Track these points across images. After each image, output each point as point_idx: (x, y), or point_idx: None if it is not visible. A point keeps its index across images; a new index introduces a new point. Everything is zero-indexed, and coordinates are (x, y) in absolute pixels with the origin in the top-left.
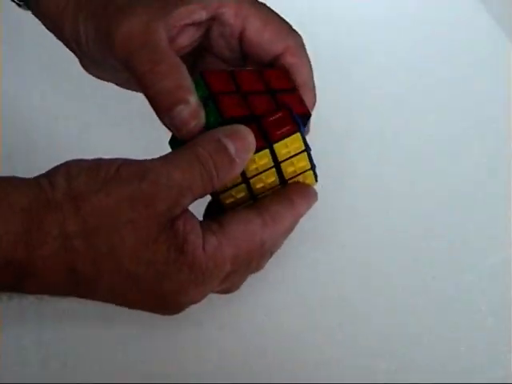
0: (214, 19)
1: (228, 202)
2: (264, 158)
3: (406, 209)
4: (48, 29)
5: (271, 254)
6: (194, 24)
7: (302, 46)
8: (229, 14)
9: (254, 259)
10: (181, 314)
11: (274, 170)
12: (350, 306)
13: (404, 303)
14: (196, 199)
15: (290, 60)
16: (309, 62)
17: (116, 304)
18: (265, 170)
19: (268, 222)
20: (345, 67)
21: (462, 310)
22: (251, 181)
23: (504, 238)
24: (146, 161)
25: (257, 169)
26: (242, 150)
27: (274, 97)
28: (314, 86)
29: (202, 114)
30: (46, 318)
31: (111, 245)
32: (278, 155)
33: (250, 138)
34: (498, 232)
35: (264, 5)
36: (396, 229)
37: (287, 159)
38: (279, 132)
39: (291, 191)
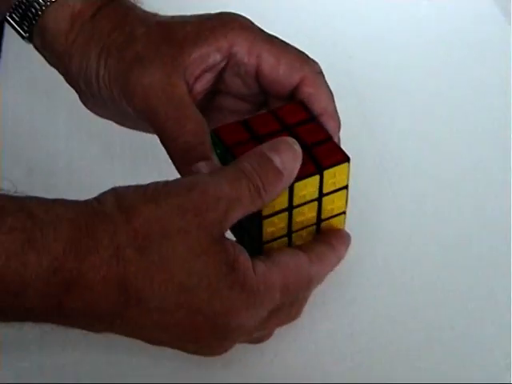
0: (227, 60)
1: (269, 230)
2: (313, 186)
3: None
4: (51, 63)
5: (309, 296)
6: (209, 69)
7: (319, 73)
8: (242, 52)
9: (300, 295)
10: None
11: (316, 203)
12: (358, 346)
13: (413, 343)
14: (245, 214)
15: (306, 90)
16: (327, 88)
17: (159, 339)
18: (309, 201)
19: (314, 260)
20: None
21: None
22: (294, 211)
23: None
24: (193, 175)
25: (304, 196)
26: (289, 161)
27: (292, 132)
28: (335, 112)
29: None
30: (47, 343)
31: (163, 255)
32: (324, 185)
33: (295, 147)
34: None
35: (276, 38)
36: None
37: (330, 193)
38: (332, 158)
39: (329, 236)
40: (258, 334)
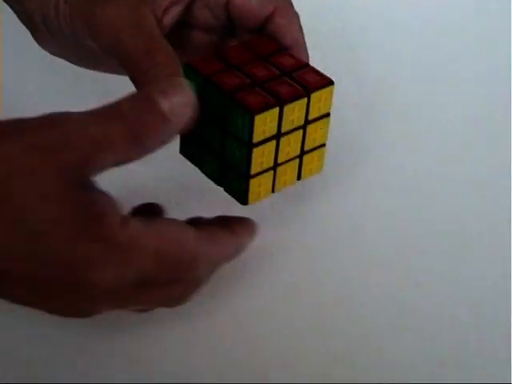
0: None
1: (258, 160)
2: (301, 109)
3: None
4: None
5: (199, 283)
6: (177, 1)
7: (291, 4)
8: None
9: (181, 271)
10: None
11: (301, 131)
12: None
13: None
14: (119, 162)
15: (279, 21)
16: (298, 20)
17: (12, 295)
18: (296, 128)
19: (203, 238)
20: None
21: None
22: (281, 140)
23: None
24: (61, 112)
25: (292, 122)
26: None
27: (267, 61)
28: (305, 45)
29: (196, 106)
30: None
31: (9, 196)
32: (310, 110)
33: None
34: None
35: None
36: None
37: (314, 120)
38: (317, 81)
39: (231, 220)
40: (132, 307)
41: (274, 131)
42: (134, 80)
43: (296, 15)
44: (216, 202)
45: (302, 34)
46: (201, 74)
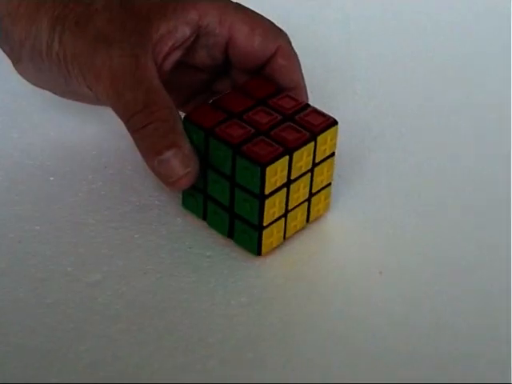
0: (197, 33)
1: (270, 211)
2: (309, 154)
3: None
4: None
5: None
6: (178, 45)
7: (290, 44)
8: (213, 24)
9: None
10: None
11: (309, 175)
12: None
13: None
14: None
15: (281, 62)
16: (298, 60)
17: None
18: (304, 173)
19: None
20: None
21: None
22: (291, 186)
23: None
24: None
25: (300, 168)
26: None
27: (267, 105)
28: (305, 85)
29: (195, 162)
30: None
31: None
32: (317, 152)
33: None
34: None
35: (247, 8)
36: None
37: (321, 162)
38: (322, 122)
39: None
40: None
41: (284, 180)
42: (130, 131)
43: (296, 55)
44: None
45: (302, 74)
46: (202, 128)
